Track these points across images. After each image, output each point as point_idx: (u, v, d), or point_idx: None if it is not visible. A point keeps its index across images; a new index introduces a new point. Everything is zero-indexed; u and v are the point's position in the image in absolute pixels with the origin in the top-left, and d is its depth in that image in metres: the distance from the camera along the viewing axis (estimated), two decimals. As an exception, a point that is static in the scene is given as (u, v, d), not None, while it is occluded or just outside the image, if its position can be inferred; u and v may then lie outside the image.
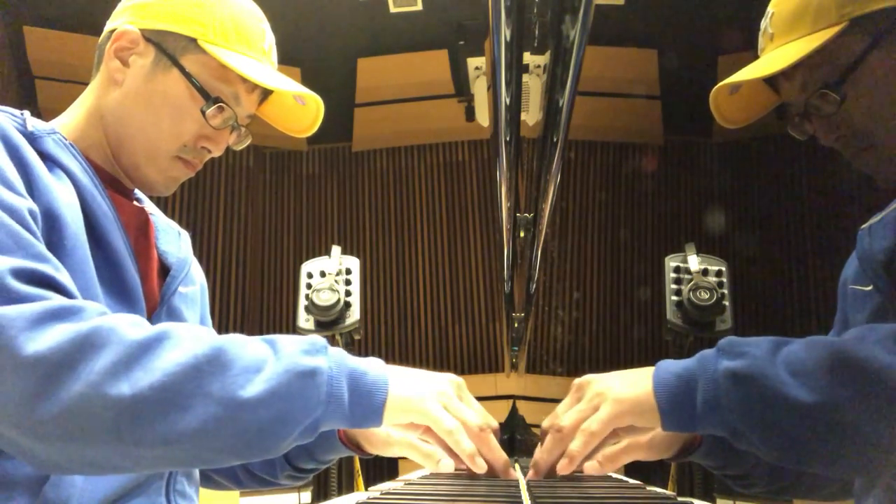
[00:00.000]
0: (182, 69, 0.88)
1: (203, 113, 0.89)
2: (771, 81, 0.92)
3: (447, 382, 0.78)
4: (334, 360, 0.71)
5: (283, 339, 0.72)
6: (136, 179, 0.93)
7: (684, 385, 0.73)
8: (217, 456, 0.68)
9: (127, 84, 0.89)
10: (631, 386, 0.75)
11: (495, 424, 0.79)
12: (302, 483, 1.06)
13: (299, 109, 0.98)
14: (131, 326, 0.67)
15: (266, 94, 0.96)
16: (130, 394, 0.63)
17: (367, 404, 0.71)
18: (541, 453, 0.80)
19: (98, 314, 0.68)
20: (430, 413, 0.74)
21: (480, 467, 0.76)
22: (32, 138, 0.81)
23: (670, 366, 0.75)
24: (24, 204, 0.72)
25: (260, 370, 0.67)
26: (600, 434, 0.76)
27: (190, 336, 0.68)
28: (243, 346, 0.69)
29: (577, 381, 0.81)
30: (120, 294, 0.83)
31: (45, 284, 0.68)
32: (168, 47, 0.89)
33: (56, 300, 0.67)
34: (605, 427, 0.75)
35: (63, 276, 0.71)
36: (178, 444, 0.65)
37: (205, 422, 0.65)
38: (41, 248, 0.70)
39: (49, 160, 0.81)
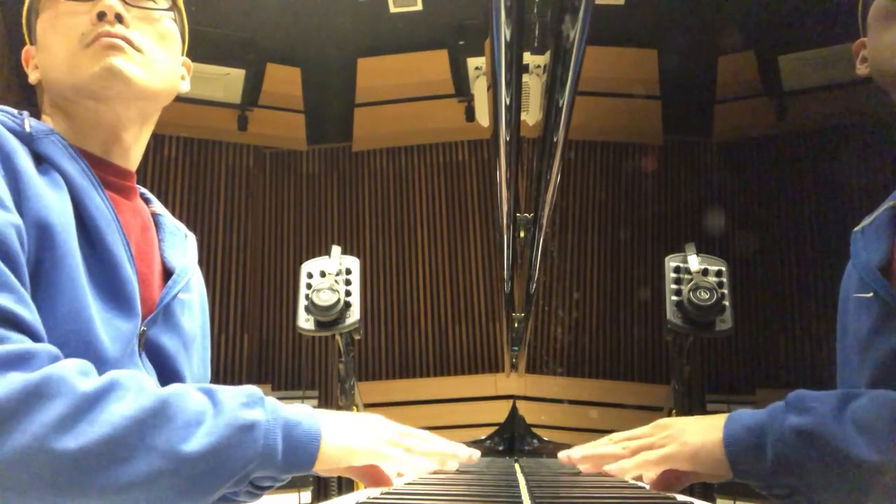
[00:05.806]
0: (36, 10, 0.94)
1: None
2: None
3: (383, 427, 0.81)
4: (270, 411, 0.73)
5: (222, 392, 0.74)
6: (84, 103, 0.89)
7: (754, 439, 0.72)
8: None
9: (38, 57, 0.96)
10: (701, 433, 0.75)
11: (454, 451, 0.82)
12: (257, 498, 1.07)
13: None
14: (80, 376, 0.67)
15: None
16: (75, 447, 0.63)
17: (301, 455, 0.73)
18: (592, 448, 0.86)
19: (50, 360, 0.67)
20: (375, 453, 0.77)
21: None
22: (30, 139, 0.80)
23: (742, 417, 0.75)
24: (9, 220, 0.72)
25: (201, 423, 0.69)
26: (654, 466, 0.78)
27: (136, 387, 0.69)
28: (185, 399, 0.70)
29: (659, 420, 0.83)
30: (115, 299, 0.82)
31: (9, 323, 0.67)
32: (31, 19, 0.95)
33: (10, 344, 0.65)
34: (663, 463, 0.77)
35: (28, 313, 0.69)
36: (114, 496, 0.65)
37: (146, 474, 0.65)
38: (12, 280, 0.69)
39: (46, 162, 0.81)
